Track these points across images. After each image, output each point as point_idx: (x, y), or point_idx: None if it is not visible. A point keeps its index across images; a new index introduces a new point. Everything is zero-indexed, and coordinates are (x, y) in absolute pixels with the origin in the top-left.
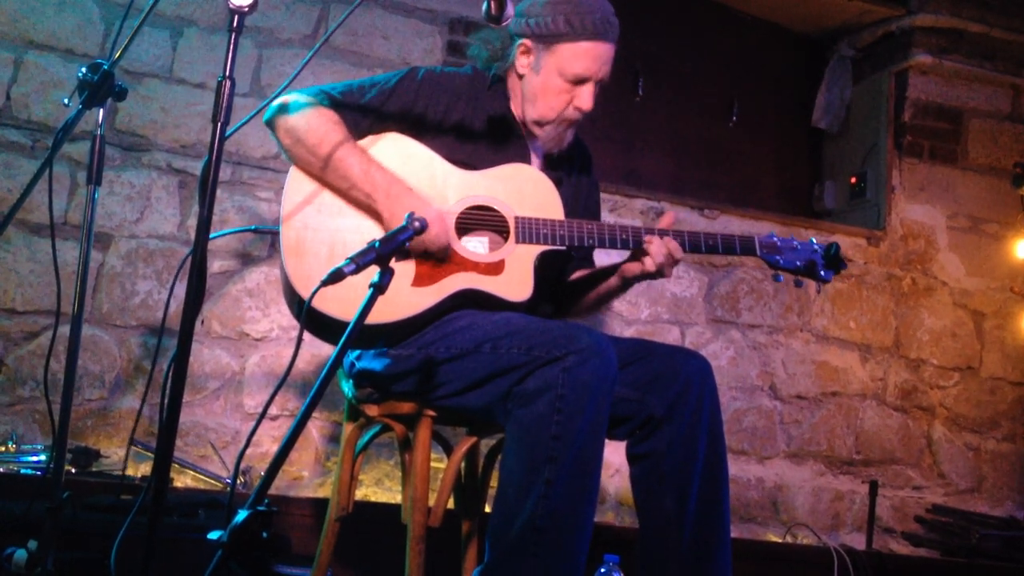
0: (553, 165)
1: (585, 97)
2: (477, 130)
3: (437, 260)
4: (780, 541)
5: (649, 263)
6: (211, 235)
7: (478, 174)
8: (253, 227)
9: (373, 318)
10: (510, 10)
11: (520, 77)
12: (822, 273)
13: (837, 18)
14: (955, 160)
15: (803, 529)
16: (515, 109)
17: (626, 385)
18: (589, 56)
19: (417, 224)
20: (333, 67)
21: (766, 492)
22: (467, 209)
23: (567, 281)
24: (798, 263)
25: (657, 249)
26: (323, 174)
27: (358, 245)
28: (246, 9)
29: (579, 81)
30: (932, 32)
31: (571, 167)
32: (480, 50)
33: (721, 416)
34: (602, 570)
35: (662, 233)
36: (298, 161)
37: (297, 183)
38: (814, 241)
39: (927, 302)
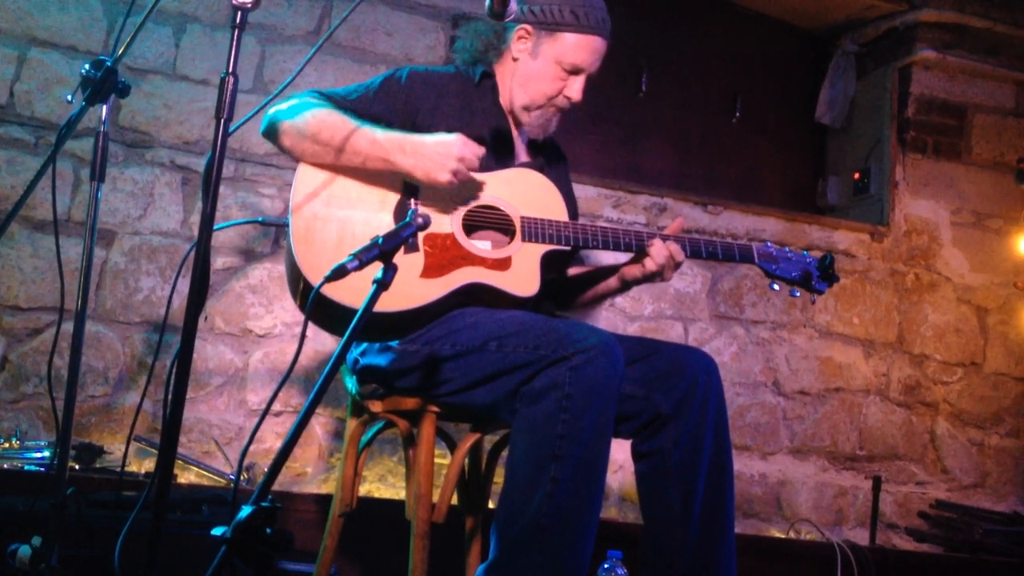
0: (535, 151)
1: (576, 88)
2: (466, 125)
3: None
4: (783, 537)
5: (650, 264)
6: (217, 226)
7: (482, 176)
8: (260, 219)
9: (380, 307)
10: (513, 6)
11: (514, 60)
12: (816, 285)
13: (841, 13)
14: (959, 156)
15: (806, 525)
16: (503, 101)
17: (632, 383)
18: (588, 49)
19: (420, 220)
20: (336, 64)
21: (769, 488)
22: (474, 207)
23: (566, 277)
24: (793, 273)
25: (658, 251)
26: (335, 159)
27: (366, 236)
28: (249, 5)
29: (575, 71)
30: (936, 27)
31: (549, 154)
32: (472, 41)
33: (727, 414)
34: (605, 566)
35: (664, 238)
36: (306, 156)
37: (307, 175)
38: (807, 254)
39: (931, 298)
